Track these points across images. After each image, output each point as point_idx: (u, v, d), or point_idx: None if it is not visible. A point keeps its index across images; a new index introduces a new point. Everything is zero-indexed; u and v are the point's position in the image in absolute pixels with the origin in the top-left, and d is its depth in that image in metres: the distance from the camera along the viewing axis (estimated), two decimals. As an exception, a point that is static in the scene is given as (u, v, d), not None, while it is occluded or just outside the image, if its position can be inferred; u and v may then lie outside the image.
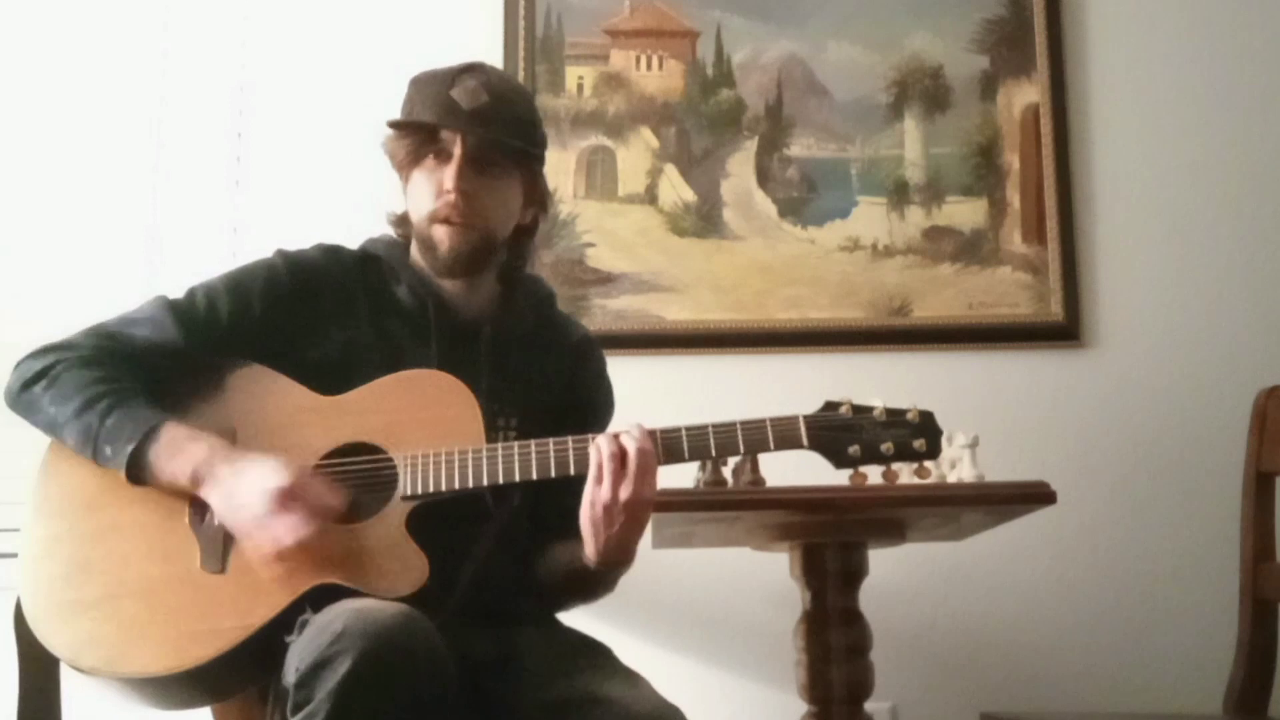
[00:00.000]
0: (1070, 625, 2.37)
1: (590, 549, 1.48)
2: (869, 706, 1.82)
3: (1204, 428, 2.40)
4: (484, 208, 1.59)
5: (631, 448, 1.44)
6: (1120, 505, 2.41)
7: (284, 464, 1.43)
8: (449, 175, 1.56)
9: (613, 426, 1.57)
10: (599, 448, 1.44)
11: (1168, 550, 2.39)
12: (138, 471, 1.46)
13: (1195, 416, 2.43)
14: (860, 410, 1.49)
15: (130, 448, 1.45)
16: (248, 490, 1.42)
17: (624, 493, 1.43)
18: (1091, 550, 2.39)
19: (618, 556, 1.49)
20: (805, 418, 1.48)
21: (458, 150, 1.57)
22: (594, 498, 1.44)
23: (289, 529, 1.40)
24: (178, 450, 1.46)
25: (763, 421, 1.48)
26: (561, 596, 1.64)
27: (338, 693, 1.22)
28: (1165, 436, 2.43)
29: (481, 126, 1.57)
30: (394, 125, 1.60)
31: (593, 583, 1.60)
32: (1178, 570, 2.37)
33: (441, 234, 1.59)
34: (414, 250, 1.69)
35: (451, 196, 1.56)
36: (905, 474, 1.62)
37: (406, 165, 1.61)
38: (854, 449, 1.47)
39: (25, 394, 1.53)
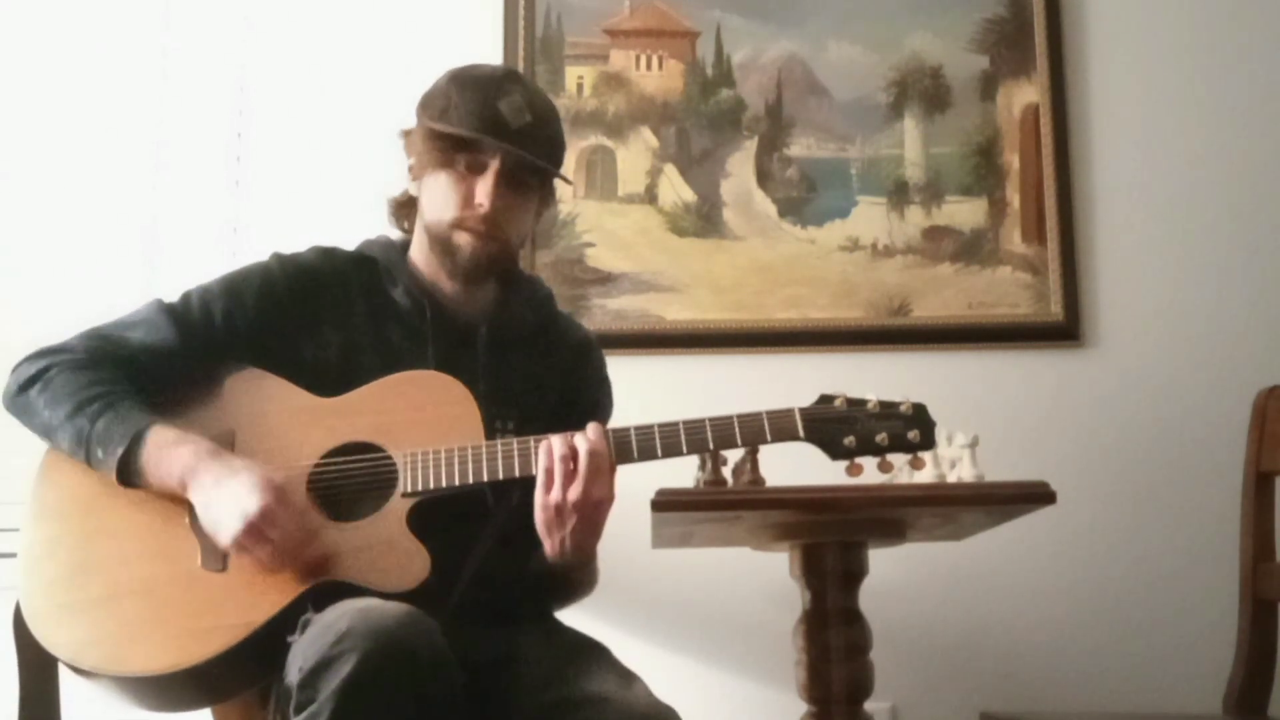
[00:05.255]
0: (1070, 625, 2.37)
1: (546, 549, 1.48)
2: (869, 706, 1.82)
3: (1204, 428, 2.40)
4: (508, 222, 1.61)
5: (582, 448, 1.44)
6: (1120, 505, 2.40)
7: (260, 484, 1.42)
8: (484, 189, 1.57)
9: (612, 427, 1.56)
10: (550, 448, 1.45)
11: (1168, 550, 2.39)
12: (129, 475, 1.46)
13: (1195, 416, 2.42)
14: (854, 403, 1.52)
15: (120, 450, 1.45)
16: (224, 509, 1.42)
17: (573, 494, 1.43)
18: (1091, 550, 2.39)
19: (575, 557, 1.49)
20: (801, 410, 1.51)
21: (495, 165, 1.58)
22: (544, 499, 1.45)
23: (258, 558, 1.42)
24: (165, 454, 1.46)
25: (759, 415, 1.50)
26: (544, 595, 1.64)
27: (341, 693, 1.22)
28: (1165, 436, 2.43)
29: (523, 147, 1.58)
30: (437, 134, 1.58)
31: (563, 581, 1.60)
32: (1178, 570, 2.37)
33: (464, 240, 1.60)
34: (414, 249, 1.69)
35: (484, 210, 1.58)
36: (904, 471, 1.62)
37: (432, 164, 1.61)
38: (849, 440, 1.50)
39: (21, 397, 1.53)
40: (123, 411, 1.48)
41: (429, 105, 1.63)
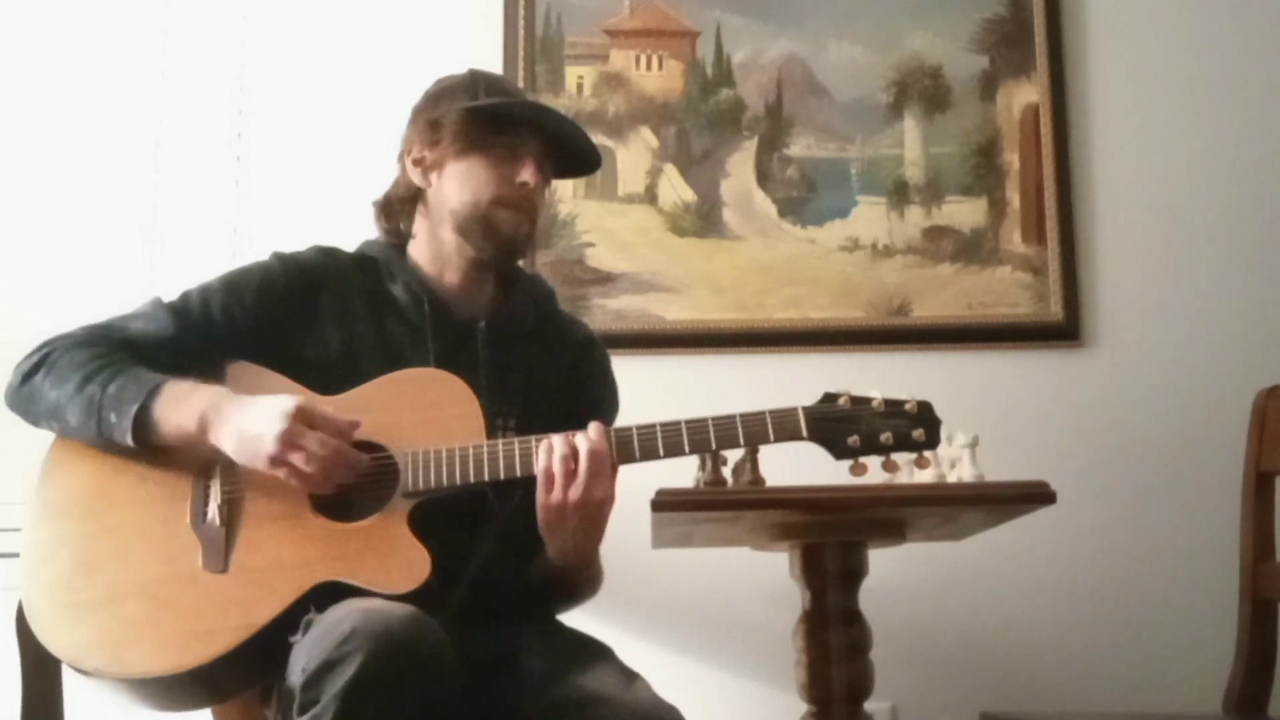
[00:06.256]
0: (1070, 625, 2.37)
1: (549, 551, 1.48)
2: (869, 706, 1.82)
3: (1204, 428, 2.40)
4: (540, 205, 1.67)
5: (583, 448, 1.44)
6: (1120, 505, 2.40)
7: (285, 404, 1.43)
8: (529, 169, 1.61)
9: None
10: (550, 448, 1.45)
11: (1168, 550, 2.39)
12: (144, 430, 1.46)
13: (1195, 416, 2.42)
14: (859, 401, 1.51)
15: (134, 407, 1.45)
16: (260, 419, 1.42)
17: (574, 494, 1.43)
18: (1091, 550, 2.39)
19: (577, 558, 1.49)
20: (804, 409, 1.50)
21: (535, 147, 1.63)
22: (545, 500, 1.45)
23: (307, 456, 1.41)
24: (183, 400, 1.46)
25: (762, 414, 1.49)
26: (546, 598, 1.64)
27: (345, 694, 1.22)
28: (1165, 436, 2.43)
29: (560, 132, 1.65)
30: (476, 115, 1.62)
31: (565, 584, 1.60)
32: (1178, 570, 2.37)
33: (507, 216, 1.62)
34: (415, 246, 1.69)
35: (530, 188, 1.61)
36: (905, 466, 1.62)
37: (468, 148, 1.62)
38: (853, 439, 1.49)
39: (25, 386, 1.53)
40: (134, 375, 1.49)
41: (452, 94, 1.66)
